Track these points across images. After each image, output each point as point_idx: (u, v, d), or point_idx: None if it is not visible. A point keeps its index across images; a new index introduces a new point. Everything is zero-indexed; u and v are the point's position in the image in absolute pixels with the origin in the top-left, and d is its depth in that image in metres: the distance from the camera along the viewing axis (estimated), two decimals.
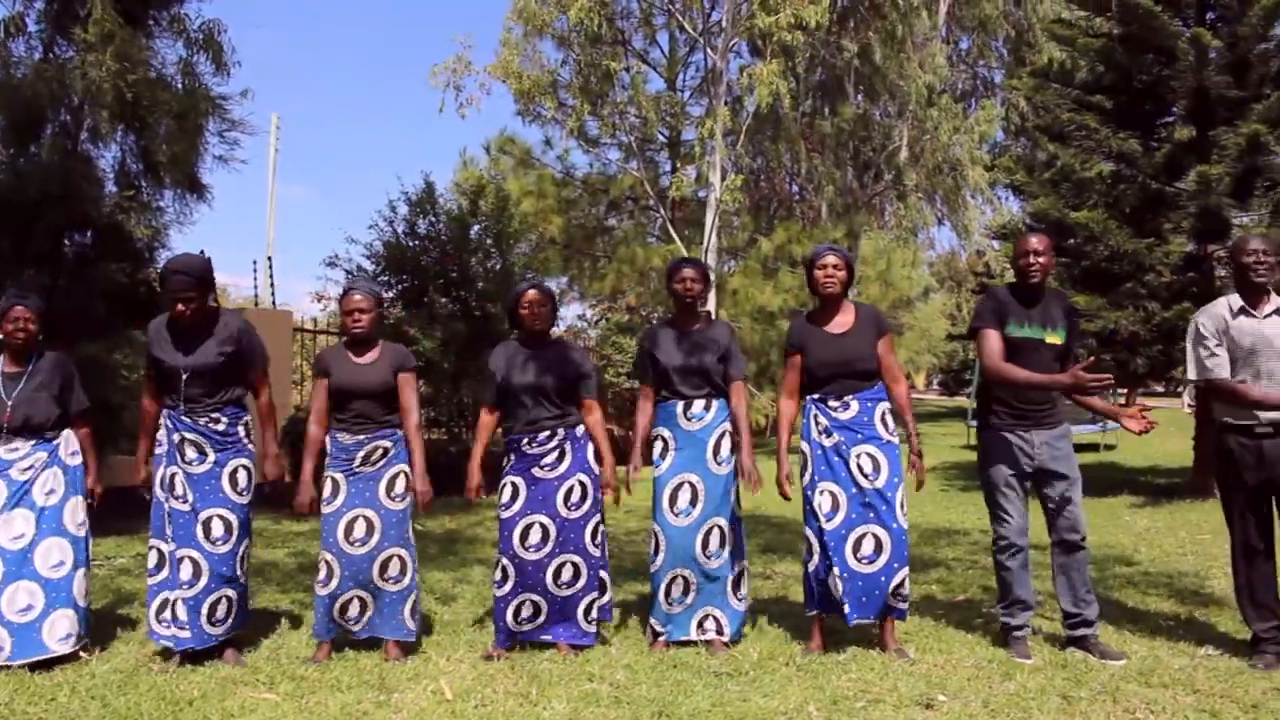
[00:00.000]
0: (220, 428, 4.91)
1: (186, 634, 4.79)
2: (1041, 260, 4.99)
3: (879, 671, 4.65)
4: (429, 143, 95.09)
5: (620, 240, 18.45)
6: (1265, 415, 4.75)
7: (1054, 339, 5.00)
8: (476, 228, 13.58)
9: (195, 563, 4.81)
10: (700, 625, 5.16)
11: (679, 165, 16.36)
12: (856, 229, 20.30)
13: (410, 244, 13.35)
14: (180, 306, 4.78)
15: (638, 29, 18.27)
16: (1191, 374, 5.05)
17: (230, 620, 4.94)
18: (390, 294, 13.31)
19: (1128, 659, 4.84)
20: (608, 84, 16.38)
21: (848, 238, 20.22)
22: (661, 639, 5.15)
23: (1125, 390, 28.89)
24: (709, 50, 15.99)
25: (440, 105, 15.77)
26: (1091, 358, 4.80)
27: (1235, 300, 4.92)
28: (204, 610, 4.81)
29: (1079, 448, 18.09)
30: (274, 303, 14.01)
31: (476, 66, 15.71)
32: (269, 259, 15.13)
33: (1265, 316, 4.83)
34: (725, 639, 5.14)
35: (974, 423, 20.11)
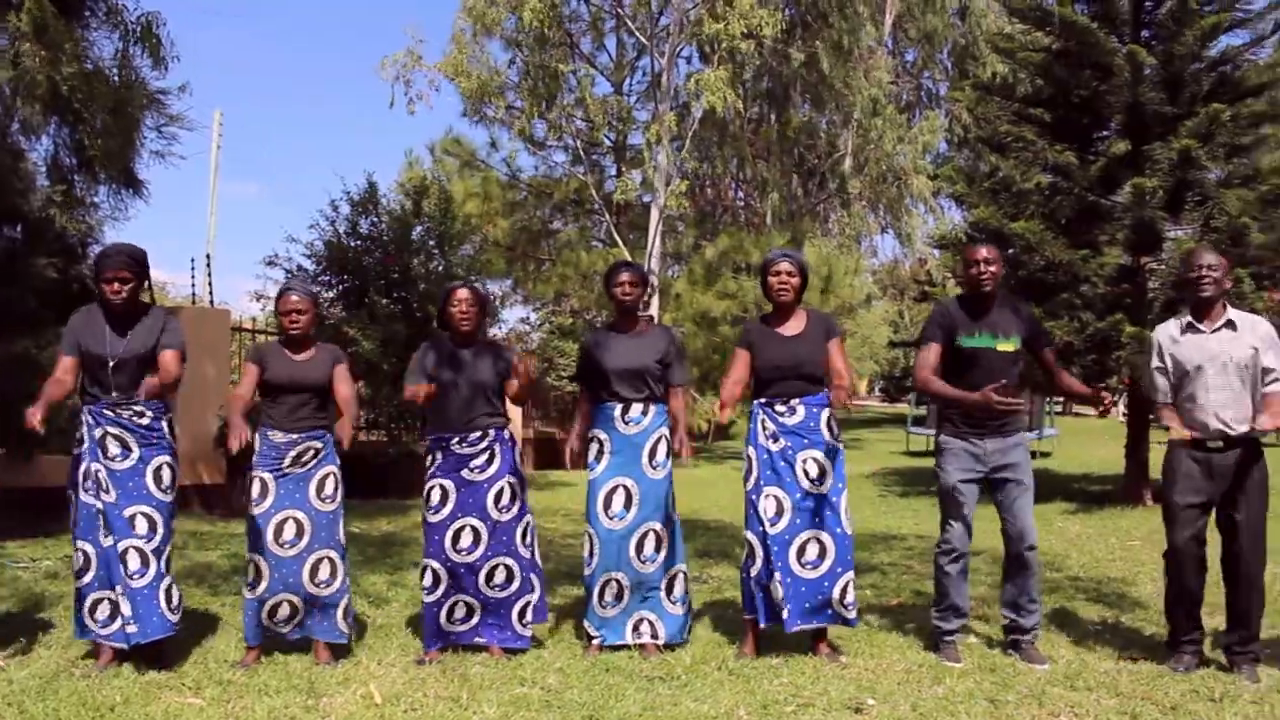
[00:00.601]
0: (145, 422, 4.83)
1: (134, 629, 4.69)
2: (992, 269, 5.05)
3: (810, 676, 4.68)
4: (381, 143, 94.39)
5: (564, 244, 18.42)
6: (1214, 428, 4.84)
7: (1006, 346, 5.04)
8: (419, 228, 13.50)
9: (141, 552, 4.72)
10: (635, 629, 5.17)
11: (624, 170, 16.36)
12: (800, 236, 20.43)
13: (352, 244, 13.24)
14: (116, 286, 4.70)
15: (585, 33, 18.27)
16: (1159, 398, 5.13)
17: (181, 609, 4.88)
18: (330, 294, 13.21)
19: (1050, 665, 4.91)
20: (555, 86, 16.33)
21: (791, 244, 20.33)
22: (596, 642, 5.16)
23: (1063, 399, 29.43)
24: (656, 55, 16.00)
25: (390, 99, 15.43)
26: (1003, 381, 4.86)
27: (1185, 317, 5.01)
28: (161, 597, 4.74)
29: None
30: (211, 301, 13.80)
31: (427, 62, 15.54)
32: (207, 256, 14.88)
33: (1214, 331, 4.91)
34: (659, 642, 5.15)
35: (915, 429, 20.38)
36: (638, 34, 16.30)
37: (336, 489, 5.07)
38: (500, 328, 15.45)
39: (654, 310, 15.29)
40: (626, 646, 5.13)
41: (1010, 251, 11.77)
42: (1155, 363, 5.04)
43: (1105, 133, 12.10)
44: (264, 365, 5.03)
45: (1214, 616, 5.14)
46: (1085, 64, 11.57)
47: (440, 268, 13.33)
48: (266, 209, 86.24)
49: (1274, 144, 12.90)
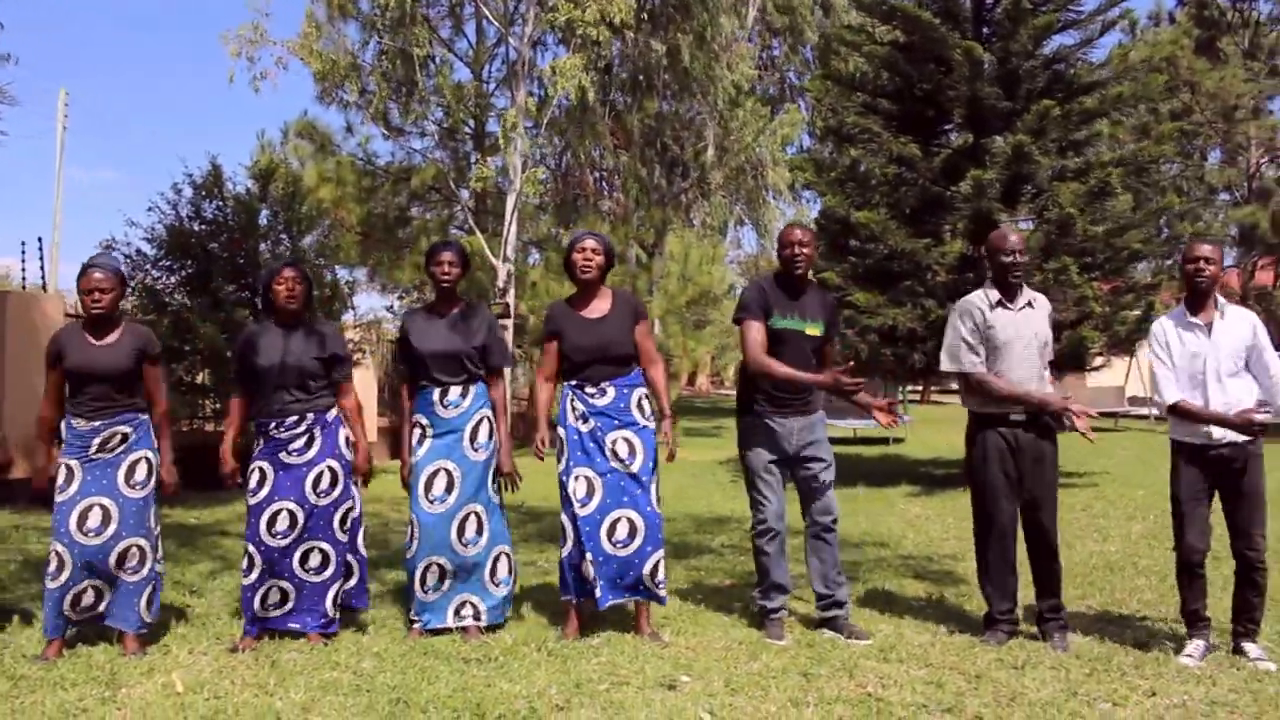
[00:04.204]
0: None
1: None
2: (805, 252, 5.14)
3: (629, 655, 4.69)
4: (243, 127, 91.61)
5: (422, 230, 18.14)
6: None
7: (814, 331, 5.15)
8: (266, 213, 13.12)
9: None
10: (457, 612, 5.13)
11: (481, 156, 16.16)
12: (660, 225, 20.52)
13: (196, 228, 12.80)
14: None
15: (445, 18, 17.96)
16: (945, 365, 5.23)
17: None
18: (173, 279, 12.75)
19: (872, 639, 5.02)
20: (412, 71, 16.03)
21: (651, 232, 20.40)
22: (417, 627, 5.10)
23: (921, 387, 30.29)
24: (510, 41, 15.87)
25: (230, 75, 14.67)
26: (851, 362, 4.95)
27: (993, 293, 5.11)
28: None
29: (869, 441, 18.82)
30: (44, 286, 13.19)
31: (274, 38, 15.00)
32: (39, 240, 14.20)
33: (1020, 309, 5.07)
34: (481, 625, 5.12)
35: None
36: (495, 21, 16.08)
37: (149, 475, 4.89)
38: (350, 312, 15.15)
39: (510, 298, 15.18)
40: (449, 630, 5.09)
41: (856, 242, 12.07)
42: (968, 334, 5.06)
43: (948, 126, 12.45)
44: (62, 356, 4.79)
45: (1025, 591, 5.31)
46: (928, 58, 11.88)
47: (288, 252, 12.98)
48: (122, 195, 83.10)
49: (1113, 142, 13.52)
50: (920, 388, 29.20)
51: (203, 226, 12.86)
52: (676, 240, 20.89)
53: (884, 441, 18.38)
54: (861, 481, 11.80)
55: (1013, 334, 5.03)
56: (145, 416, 4.93)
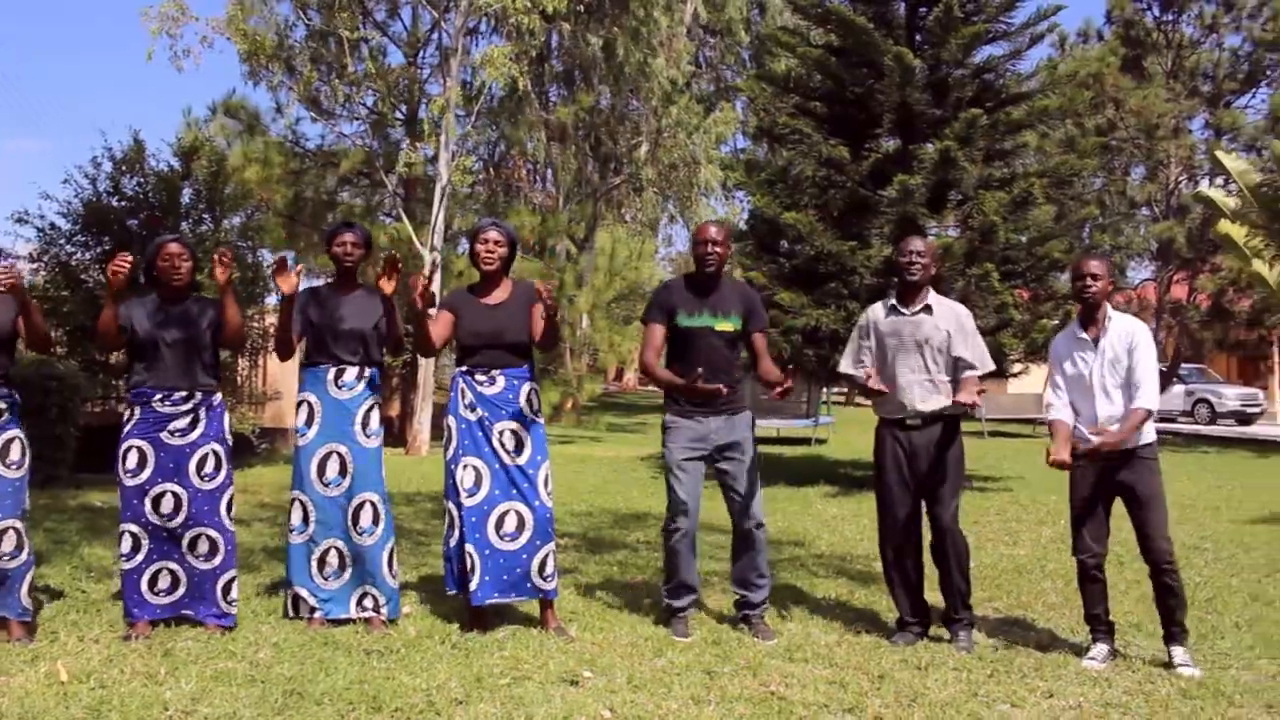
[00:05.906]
0: None
1: None
2: (718, 250, 5.11)
3: (533, 650, 4.65)
4: (175, 104, 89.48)
5: (348, 214, 17.86)
6: (916, 408, 5.03)
7: (725, 326, 5.11)
8: (189, 191, 12.84)
9: None
10: (359, 602, 5.05)
11: (411, 143, 15.95)
12: (591, 219, 20.44)
13: (115, 204, 12.49)
14: None
15: (379, 1, 17.70)
16: (842, 366, 5.42)
17: None
18: (88, 256, 12.44)
19: (779, 638, 5.01)
20: (342, 54, 15.79)
21: (581, 227, 20.30)
22: (319, 616, 4.99)
23: (846, 389, 30.57)
24: (444, 27, 15.69)
25: (149, 54, 14.14)
26: (700, 370, 4.92)
27: (891, 300, 5.21)
28: None
29: (791, 441, 18.94)
30: None
31: (195, 13, 14.62)
32: None
33: (913, 314, 5.11)
34: (384, 617, 5.03)
35: None
36: (428, 6, 15.88)
37: (23, 455, 4.73)
38: (275, 297, 14.88)
39: (436, 286, 14.97)
40: (350, 620, 5.00)
41: (784, 244, 12.12)
42: (858, 337, 5.28)
43: (878, 130, 12.53)
44: None
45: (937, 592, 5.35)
46: (861, 62, 11.95)
47: (210, 232, 12.74)
48: (53, 167, 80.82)
49: (1039, 154, 13.74)
50: (845, 390, 29.41)
51: (122, 202, 12.61)
52: (607, 235, 20.89)
53: (805, 442, 18.52)
54: (781, 481, 11.85)
55: (900, 338, 5.10)
56: (16, 397, 4.79)
